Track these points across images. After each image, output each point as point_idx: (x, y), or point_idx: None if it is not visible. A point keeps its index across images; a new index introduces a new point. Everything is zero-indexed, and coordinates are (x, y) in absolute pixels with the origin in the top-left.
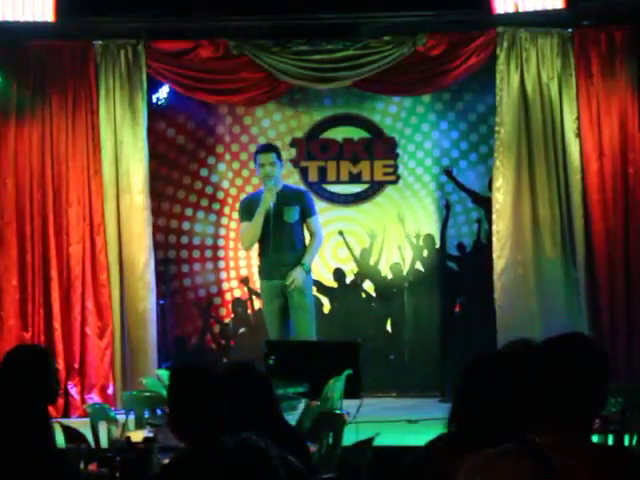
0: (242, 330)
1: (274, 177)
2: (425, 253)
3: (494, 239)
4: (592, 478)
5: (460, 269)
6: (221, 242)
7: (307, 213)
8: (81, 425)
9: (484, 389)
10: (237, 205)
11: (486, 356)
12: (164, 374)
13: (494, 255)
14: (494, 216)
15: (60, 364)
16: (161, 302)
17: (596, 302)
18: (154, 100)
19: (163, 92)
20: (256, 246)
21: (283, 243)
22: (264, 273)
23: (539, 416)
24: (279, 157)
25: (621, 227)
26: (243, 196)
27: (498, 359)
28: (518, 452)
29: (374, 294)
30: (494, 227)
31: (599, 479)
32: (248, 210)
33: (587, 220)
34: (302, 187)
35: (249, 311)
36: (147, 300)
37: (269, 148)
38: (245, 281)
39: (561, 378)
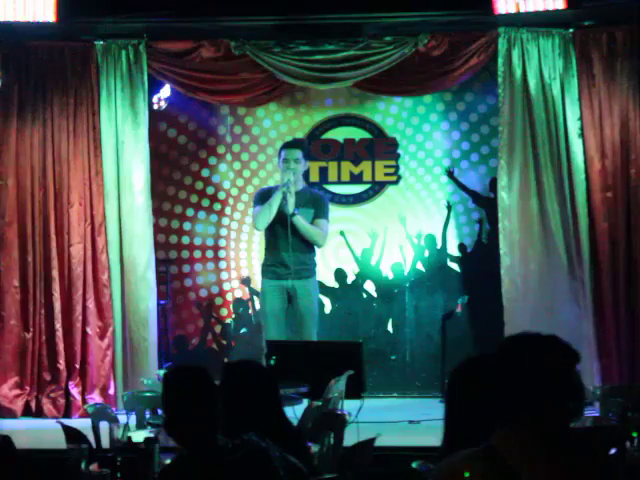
0: (243, 330)
1: (296, 174)
2: (426, 253)
3: (500, 236)
4: (555, 476)
5: (461, 269)
6: (222, 242)
7: (318, 214)
8: (82, 425)
9: (471, 392)
10: (238, 205)
11: (473, 360)
12: None
13: (501, 252)
14: (500, 214)
15: (61, 364)
16: (162, 302)
17: (600, 300)
18: (155, 100)
19: (164, 92)
20: (261, 245)
21: (293, 244)
22: (269, 273)
23: (502, 416)
24: (304, 155)
25: (623, 227)
26: (244, 196)
27: (481, 362)
28: (480, 456)
29: (375, 294)
30: (500, 225)
31: (564, 477)
32: (264, 197)
33: (590, 219)
34: (321, 192)
35: (250, 311)
36: (148, 300)
37: (295, 144)
38: (246, 281)
39: (513, 378)
